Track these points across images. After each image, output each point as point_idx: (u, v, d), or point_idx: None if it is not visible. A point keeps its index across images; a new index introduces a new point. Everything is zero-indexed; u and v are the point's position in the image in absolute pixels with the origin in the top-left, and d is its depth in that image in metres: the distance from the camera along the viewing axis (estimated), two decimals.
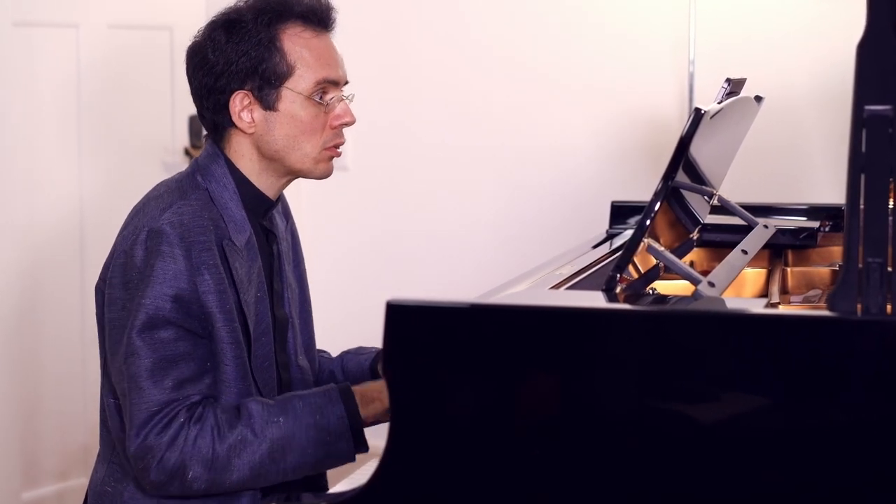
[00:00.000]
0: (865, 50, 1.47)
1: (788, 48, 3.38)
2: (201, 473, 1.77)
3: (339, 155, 1.96)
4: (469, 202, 3.79)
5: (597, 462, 1.52)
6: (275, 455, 1.79)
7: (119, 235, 1.87)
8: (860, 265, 1.46)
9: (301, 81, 1.89)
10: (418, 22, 3.79)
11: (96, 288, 1.91)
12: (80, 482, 3.65)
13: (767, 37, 3.41)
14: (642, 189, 3.17)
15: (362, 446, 1.86)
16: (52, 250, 3.62)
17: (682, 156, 1.82)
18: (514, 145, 3.74)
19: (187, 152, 3.83)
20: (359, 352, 2.17)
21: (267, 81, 1.88)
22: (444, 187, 3.81)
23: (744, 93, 2.24)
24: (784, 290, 2.33)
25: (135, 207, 1.90)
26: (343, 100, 1.94)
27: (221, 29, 1.89)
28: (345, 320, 3.71)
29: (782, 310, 1.98)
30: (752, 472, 1.48)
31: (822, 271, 2.38)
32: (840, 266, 1.59)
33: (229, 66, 1.88)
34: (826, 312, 1.48)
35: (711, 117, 1.92)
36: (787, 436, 1.47)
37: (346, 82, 1.96)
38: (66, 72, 3.62)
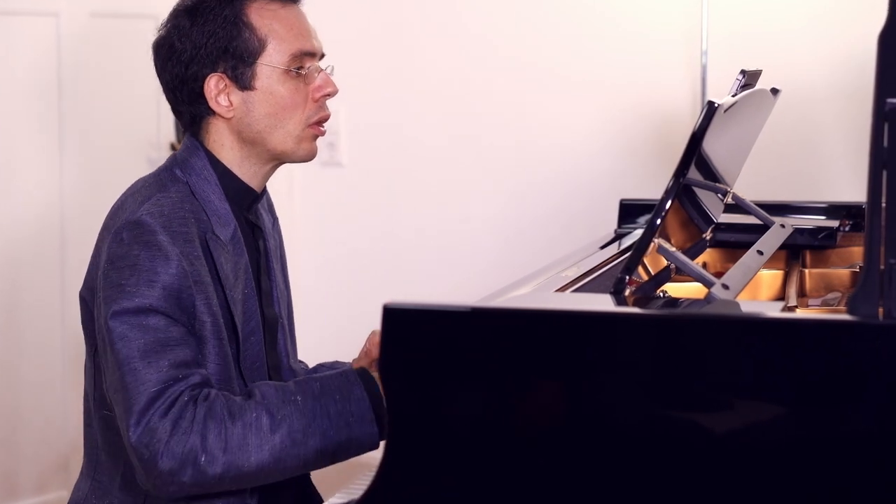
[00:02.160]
0: (887, 40, 1.47)
1: (805, 38, 3.39)
2: (217, 455, 1.69)
3: (323, 133, 1.94)
4: (471, 201, 3.79)
5: (604, 472, 1.52)
6: (295, 436, 1.73)
7: (98, 237, 1.86)
8: (881, 266, 1.46)
9: (276, 55, 1.88)
10: (419, 15, 3.79)
11: (80, 296, 1.88)
12: (60, 495, 3.64)
13: (783, 26, 3.41)
14: (652, 187, 3.18)
15: (385, 431, 1.76)
16: (31, 250, 3.61)
17: (694, 151, 1.82)
18: (517, 141, 3.74)
19: (173, 147, 3.83)
20: (334, 366, 2.14)
21: (240, 60, 1.87)
22: (445, 185, 3.81)
23: (759, 85, 2.24)
24: (802, 293, 2.33)
25: (113, 207, 1.89)
26: (322, 70, 1.93)
27: (184, 15, 1.89)
28: (341, 324, 3.71)
29: (800, 313, 1.98)
30: (771, 481, 1.48)
31: (842, 273, 2.38)
32: (860, 267, 1.59)
33: (198, 50, 1.87)
34: (846, 316, 1.48)
35: (725, 111, 1.92)
36: (807, 443, 1.47)
37: (323, 55, 1.95)
38: (45, 62, 3.62)
